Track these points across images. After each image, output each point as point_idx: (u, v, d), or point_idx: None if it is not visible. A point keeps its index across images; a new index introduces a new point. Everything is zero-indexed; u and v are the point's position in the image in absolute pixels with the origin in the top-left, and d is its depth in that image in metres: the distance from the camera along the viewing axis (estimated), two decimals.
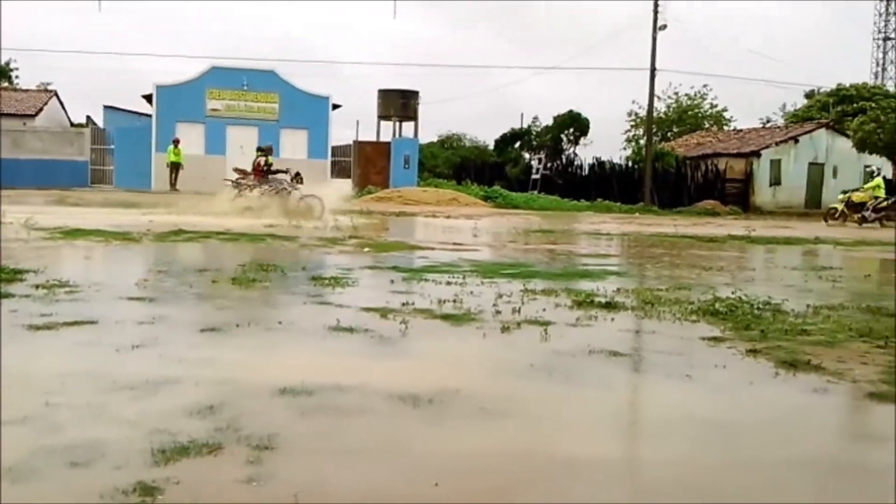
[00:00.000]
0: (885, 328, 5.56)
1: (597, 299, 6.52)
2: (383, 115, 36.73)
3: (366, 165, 33.69)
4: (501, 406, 3.62)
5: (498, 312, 5.85)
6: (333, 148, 33.76)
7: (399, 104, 35.93)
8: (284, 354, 4.54)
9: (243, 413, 3.32)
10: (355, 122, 56.88)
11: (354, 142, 35.42)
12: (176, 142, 29.10)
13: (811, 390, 4.04)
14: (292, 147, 31.43)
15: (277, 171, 17.32)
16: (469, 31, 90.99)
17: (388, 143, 34.64)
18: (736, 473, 2.96)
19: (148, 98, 31.48)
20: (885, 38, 63.80)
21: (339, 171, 34.14)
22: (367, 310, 5.78)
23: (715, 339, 5.19)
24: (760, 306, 6.37)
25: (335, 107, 33.02)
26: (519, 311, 5.93)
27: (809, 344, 5.03)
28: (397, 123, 36.91)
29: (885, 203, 23.44)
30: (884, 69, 63.52)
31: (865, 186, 24.56)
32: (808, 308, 6.41)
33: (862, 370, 4.41)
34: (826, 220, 23.93)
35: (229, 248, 10.52)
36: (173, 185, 28.70)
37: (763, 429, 3.50)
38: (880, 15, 64.23)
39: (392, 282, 7.42)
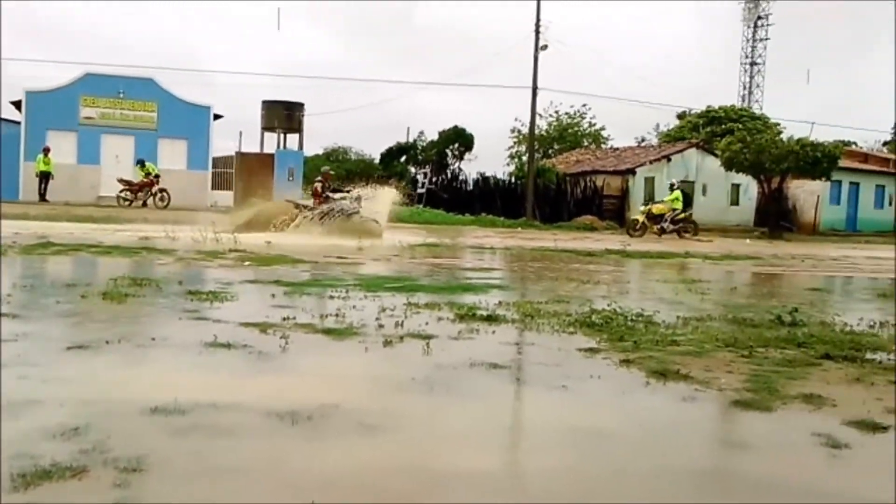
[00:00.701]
0: (749, 338, 5.84)
1: (479, 312, 6.60)
2: (267, 127, 36.16)
3: (248, 177, 33.01)
4: (382, 421, 3.60)
5: (381, 326, 5.84)
6: (215, 159, 33.01)
7: (284, 116, 35.46)
8: (157, 372, 4.38)
9: (111, 434, 3.17)
10: (238, 133, 55.70)
11: (237, 153, 34.71)
12: (46, 150, 27.78)
13: (680, 398, 4.21)
14: (171, 157, 30.55)
15: (338, 192, 17.47)
16: (355, 44, 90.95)
17: (272, 155, 34.11)
18: (611, 482, 3.04)
19: (17, 104, 29.94)
20: (752, 63, 67.63)
21: (220, 182, 33.38)
22: (246, 325, 5.66)
23: (591, 350, 5.34)
24: (634, 318, 6.59)
25: (217, 117, 32.31)
26: (402, 324, 5.93)
27: (679, 354, 5.24)
28: (282, 135, 36.42)
29: (682, 215, 24.64)
30: (750, 92, 67.29)
31: (665, 199, 25.58)
32: (678, 319, 6.68)
33: (727, 378, 4.62)
34: (629, 233, 24.76)
35: (102, 262, 10.10)
36: (42, 195, 27.37)
37: (635, 437, 3.62)
38: (747, 41, 68.07)
39: (273, 296, 7.29)
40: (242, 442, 3.23)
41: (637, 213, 25.93)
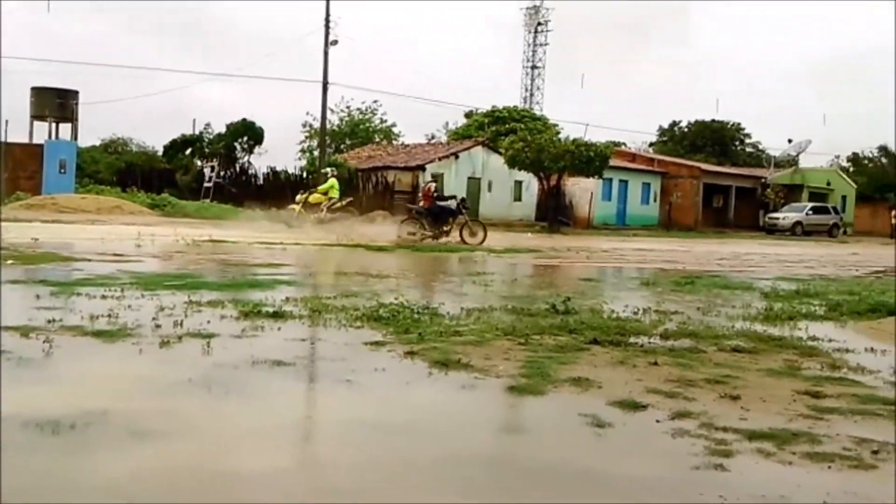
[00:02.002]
0: (526, 326, 6.13)
1: (264, 309, 6.45)
2: (37, 115, 33.51)
3: (14, 169, 30.42)
4: (155, 425, 3.43)
5: (157, 327, 5.56)
6: None
7: (55, 104, 33.03)
8: None
9: None
10: (3, 122, 51.43)
11: (0, 143, 31.81)
12: None
13: (460, 387, 4.33)
14: None
15: (446, 199, 19.12)
16: (138, 32, 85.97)
17: (42, 146, 31.57)
18: (396, 472, 3.07)
19: None
20: (533, 67, 70.94)
21: None
22: (5, 329, 5.19)
23: (377, 343, 5.38)
24: (420, 310, 6.71)
25: None
26: (181, 324, 5.68)
27: (461, 344, 5.39)
28: (53, 125, 33.85)
29: (339, 204, 23.69)
30: (532, 95, 70.56)
31: (319, 188, 24.50)
32: (462, 311, 6.88)
33: (505, 366, 4.82)
34: (288, 223, 23.14)
35: None
36: None
37: (418, 426, 3.69)
38: (529, 45, 71.42)
39: (38, 297, 6.74)
40: None
41: (294, 203, 24.79)
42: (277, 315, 6.26)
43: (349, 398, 4.08)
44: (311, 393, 4.32)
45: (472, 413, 3.97)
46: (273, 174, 36.57)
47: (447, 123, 56.16)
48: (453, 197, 19.78)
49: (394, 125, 53.73)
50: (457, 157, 37.02)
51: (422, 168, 35.64)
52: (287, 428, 3.67)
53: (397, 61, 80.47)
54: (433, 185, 19.36)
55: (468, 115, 50.68)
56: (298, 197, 24.20)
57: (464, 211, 18.96)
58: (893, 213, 44.17)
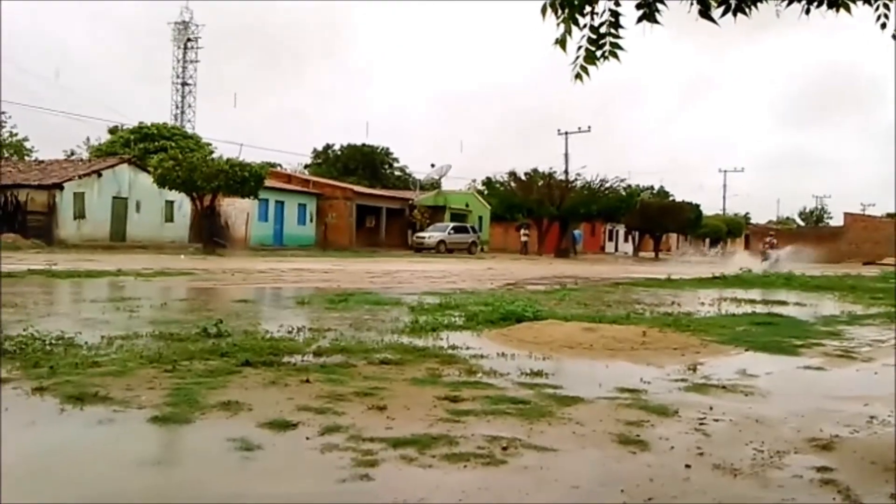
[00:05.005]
0: (174, 352, 5.84)
1: None
2: None
3: None
4: None
5: None
6: None
7: None
8: None
9: None
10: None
11: None
12: None
13: (97, 422, 4.00)
14: None
15: (775, 245, 33.29)
16: None
17: None
18: None
19: None
20: (184, 84, 68.82)
21: None
22: None
23: None
24: (53, 342, 6.11)
25: None
26: None
27: (100, 375, 4.99)
28: None
29: None
30: (183, 112, 68.39)
31: None
32: (103, 339, 6.39)
33: (149, 395, 4.54)
34: None
35: None
36: None
37: (44, 470, 3.34)
38: (179, 61, 69.08)
39: None
40: None
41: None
42: None
43: None
44: None
45: (110, 449, 3.67)
46: None
47: (89, 139, 52.36)
48: (777, 245, 34.30)
49: (26, 139, 48.88)
50: (100, 174, 34.52)
51: (59, 186, 32.69)
52: None
53: (31, 69, 73.09)
54: (774, 240, 33.03)
55: (113, 130, 47.72)
56: None
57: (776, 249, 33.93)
58: (522, 231, 49.31)
